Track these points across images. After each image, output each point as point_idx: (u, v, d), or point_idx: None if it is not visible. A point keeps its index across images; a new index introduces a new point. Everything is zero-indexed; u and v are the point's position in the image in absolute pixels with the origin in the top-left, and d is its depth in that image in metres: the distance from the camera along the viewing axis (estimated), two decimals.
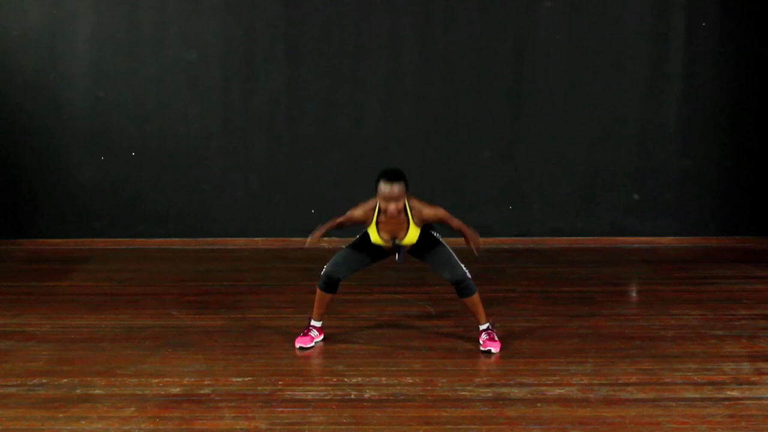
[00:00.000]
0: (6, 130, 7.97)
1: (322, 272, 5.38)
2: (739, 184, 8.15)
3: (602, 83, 8.03)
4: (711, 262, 7.51)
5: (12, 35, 7.87)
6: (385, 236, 5.25)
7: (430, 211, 5.23)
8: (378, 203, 5.16)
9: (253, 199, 8.17)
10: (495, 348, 5.29)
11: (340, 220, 5.28)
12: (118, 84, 7.96)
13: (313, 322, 5.49)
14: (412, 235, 5.23)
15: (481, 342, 5.34)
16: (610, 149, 8.11)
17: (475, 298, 5.36)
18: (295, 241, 8.13)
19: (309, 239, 5.26)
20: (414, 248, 5.35)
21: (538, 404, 4.58)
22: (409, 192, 5.17)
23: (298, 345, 5.38)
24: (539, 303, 6.33)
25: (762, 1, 7.92)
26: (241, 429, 4.33)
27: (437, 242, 5.36)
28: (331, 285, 5.38)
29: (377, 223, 5.22)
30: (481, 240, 5.39)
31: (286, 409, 4.53)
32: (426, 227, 5.33)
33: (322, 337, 5.49)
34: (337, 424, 4.37)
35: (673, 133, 8.10)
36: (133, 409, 4.53)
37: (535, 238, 8.16)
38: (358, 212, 5.24)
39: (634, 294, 6.86)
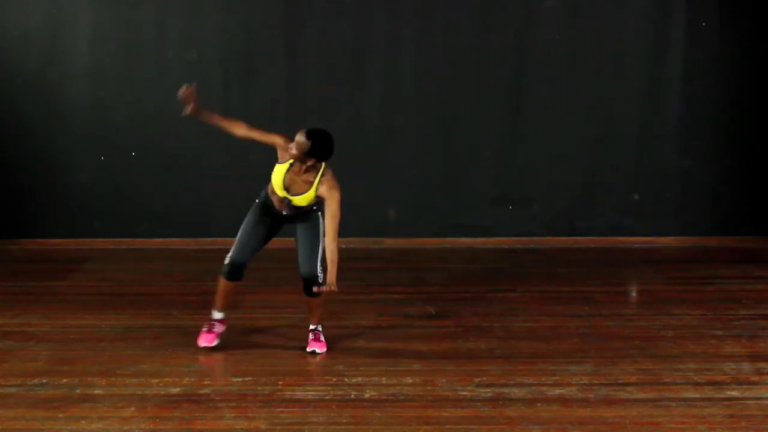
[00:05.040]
0: (6, 130, 7.96)
1: (227, 260, 5.30)
2: (739, 184, 8.15)
3: (602, 83, 8.02)
4: (711, 262, 7.51)
5: (12, 35, 7.86)
6: (287, 182, 5.16)
7: (332, 193, 5.07)
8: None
9: (253, 199, 8.11)
10: (320, 348, 5.34)
11: (256, 133, 5.17)
12: (118, 84, 7.95)
13: (215, 315, 5.43)
14: (308, 197, 5.16)
15: (308, 341, 5.39)
16: (610, 149, 8.10)
17: (320, 300, 5.33)
18: None
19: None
20: (298, 218, 5.30)
21: (538, 404, 4.58)
22: (330, 167, 5.11)
23: (202, 345, 5.34)
24: (539, 303, 6.33)
25: (762, 1, 7.91)
26: (241, 429, 4.33)
27: (318, 229, 5.29)
28: (236, 272, 5.31)
29: (290, 165, 5.12)
30: (333, 285, 5.01)
31: (286, 409, 4.53)
32: (320, 212, 5.28)
33: (224, 327, 5.45)
34: (337, 424, 4.37)
35: (673, 133, 8.09)
36: (133, 409, 4.53)
37: (535, 238, 8.15)
38: (279, 138, 5.13)
39: (634, 294, 6.86)
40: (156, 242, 8.08)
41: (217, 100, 8.01)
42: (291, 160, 5.11)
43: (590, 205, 8.16)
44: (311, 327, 5.43)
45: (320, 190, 5.13)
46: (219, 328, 5.44)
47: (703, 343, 5.48)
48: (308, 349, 5.34)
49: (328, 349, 5.40)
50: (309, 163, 5.05)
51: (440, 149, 8.05)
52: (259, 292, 6.63)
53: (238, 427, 4.35)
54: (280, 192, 5.22)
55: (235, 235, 8.02)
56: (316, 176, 5.12)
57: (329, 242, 5.07)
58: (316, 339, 5.38)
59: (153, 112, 7.98)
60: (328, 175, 5.13)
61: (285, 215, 5.35)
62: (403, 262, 7.58)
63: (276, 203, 5.31)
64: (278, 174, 5.20)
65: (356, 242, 8.07)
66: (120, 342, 5.52)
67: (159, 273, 7.22)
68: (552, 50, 7.97)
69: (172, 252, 7.89)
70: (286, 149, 5.10)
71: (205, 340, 5.38)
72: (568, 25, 7.96)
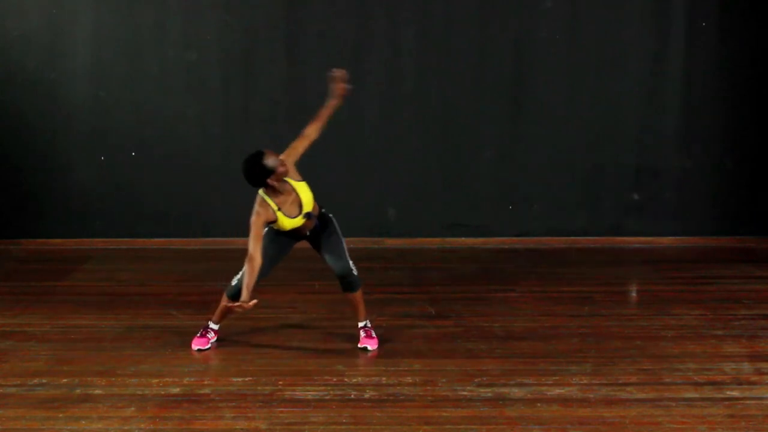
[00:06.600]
0: (6, 130, 7.97)
1: (234, 281, 5.29)
2: (738, 184, 8.15)
3: (602, 83, 8.03)
4: (711, 262, 7.51)
5: (12, 35, 7.87)
6: (294, 212, 5.18)
7: (297, 148, 5.36)
8: (266, 191, 5.14)
9: (253, 198, 8.14)
10: (371, 345, 5.39)
11: (254, 253, 5.04)
12: (118, 84, 7.95)
13: (212, 325, 5.48)
14: (303, 191, 5.19)
15: (359, 338, 5.44)
16: (610, 149, 8.10)
17: (358, 295, 5.42)
18: None
19: (247, 304, 4.93)
20: (314, 231, 5.33)
21: (538, 404, 4.58)
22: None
23: (195, 347, 5.38)
24: (539, 303, 6.33)
25: (762, 1, 7.92)
26: (241, 429, 4.33)
27: (334, 228, 5.37)
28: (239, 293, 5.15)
29: (280, 209, 5.15)
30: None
31: (286, 409, 4.54)
32: (324, 214, 5.35)
33: (217, 337, 5.50)
34: (337, 424, 4.37)
35: (673, 133, 8.10)
36: (133, 409, 4.53)
37: (535, 238, 8.15)
38: (261, 218, 5.13)
39: (634, 294, 6.86)
40: (156, 242, 8.08)
41: (217, 100, 8.03)
42: (278, 210, 5.14)
43: (590, 205, 8.16)
44: (360, 324, 5.47)
45: (293, 176, 5.19)
46: (212, 336, 5.48)
47: (703, 343, 5.48)
48: (359, 345, 5.39)
49: (328, 349, 5.40)
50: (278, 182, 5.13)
51: (440, 149, 8.06)
52: (259, 292, 6.61)
53: (238, 427, 4.35)
54: (300, 220, 5.20)
55: (234, 235, 8.12)
56: (287, 180, 5.16)
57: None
58: (368, 336, 5.44)
59: (153, 112, 7.99)
60: (283, 163, 5.15)
61: (309, 231, 5.35)
62: (403, 262, 7.59)
63: (303, 230, 5.31)
64: (288, 223, 5.18)
65: (356, 242, 8.07)
66: (120, 342, 5.52)
67: (159, 273, 7.22)
68: (552, 50, 7.97)
69: (172, 252, 7.89)
70: (270, 211, 5.15)
71: (198, 343, 5.41)
72: (568, 25, 7.96)
